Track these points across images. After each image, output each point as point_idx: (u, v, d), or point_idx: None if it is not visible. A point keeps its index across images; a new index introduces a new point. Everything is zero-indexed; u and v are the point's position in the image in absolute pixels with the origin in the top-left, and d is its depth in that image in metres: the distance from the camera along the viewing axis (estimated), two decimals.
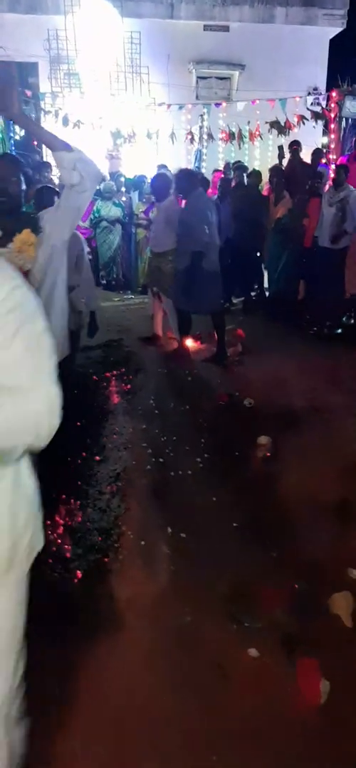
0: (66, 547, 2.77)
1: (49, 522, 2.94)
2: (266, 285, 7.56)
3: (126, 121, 9.89)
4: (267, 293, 7.52)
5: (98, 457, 3.67)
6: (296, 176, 6.95)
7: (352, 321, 6.35)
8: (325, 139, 8.83)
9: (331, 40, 12.19)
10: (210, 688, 1.97)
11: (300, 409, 4.15)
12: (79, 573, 2.59)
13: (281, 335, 6.26)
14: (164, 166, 8.78)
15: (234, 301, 7.72)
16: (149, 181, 8.95)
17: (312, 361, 5.26)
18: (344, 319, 6.35)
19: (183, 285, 5.15)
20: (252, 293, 7.66)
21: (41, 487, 2.89)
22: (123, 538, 2.79)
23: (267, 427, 3.89)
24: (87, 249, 4.36)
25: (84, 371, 5.31)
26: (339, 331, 6.20)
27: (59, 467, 3.47)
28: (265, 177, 7.56)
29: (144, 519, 2.93)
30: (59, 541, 2.82)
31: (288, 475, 3.29)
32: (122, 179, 9.16)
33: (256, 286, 7.66)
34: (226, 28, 11.75)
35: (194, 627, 2.21)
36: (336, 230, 6.15)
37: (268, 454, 3.51)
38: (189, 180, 5.30)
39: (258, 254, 7.28)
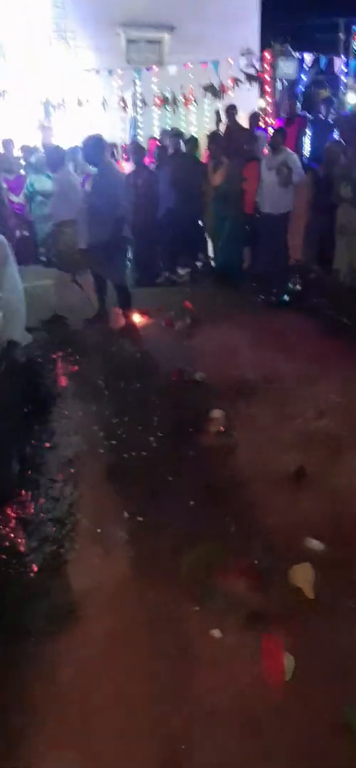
0: (20, 540, 2.65)
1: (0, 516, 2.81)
2: (211, 254, 7.51)
3: (55, 89, 9.42)
4: (213, 262, 7.48)
5: (47, 444, 3.54)
6: (233, 141, 6.86)
7: (298, 287, 6.41)
8: (262, 102, 8.76)
9: None
10: (175, 673, 1.94)
11: (251, 381, 4.16)
12: (34, 567, 2.48)
13: (229, 305, 6.24)
14: (97, 135, 8.46)
15: (180, 272, 7.63)
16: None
17: (260, 331, 5.28)
18: (290, 285, 6.39)
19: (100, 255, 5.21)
20: (198, 263, 7.59)
21: None
22: (78, 527, 2.70)
23: (219, 400, 3.87)
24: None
25: (28, 354, 5.11)
26: (286, 298, 6.24)
27: (7, 457, 3.37)
28: (204, 143, 7.44)
29: (99, 505, 2.85)
30: (12, 535, 2.70)
31: (242, 448, 3.29)
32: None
33: (201, 256, 7.60)
34: None
35: (155, 612, 2.16)
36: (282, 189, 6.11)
37: (221, 429, 3.48)
38: (97, 148, 5.18)
39: (200, 223, 7.20)
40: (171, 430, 3.59)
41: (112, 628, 2.11)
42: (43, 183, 8.07)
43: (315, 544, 2.55)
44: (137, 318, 5.95)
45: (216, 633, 2.07)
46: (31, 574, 2.41)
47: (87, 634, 2.09)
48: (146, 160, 7.19)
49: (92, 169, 7.78)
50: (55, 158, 5.62)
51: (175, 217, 7.06)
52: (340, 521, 2.70)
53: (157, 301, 6.49)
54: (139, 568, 2.39)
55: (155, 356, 4.94)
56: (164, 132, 8.31)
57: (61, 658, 2.01)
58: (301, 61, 8.03)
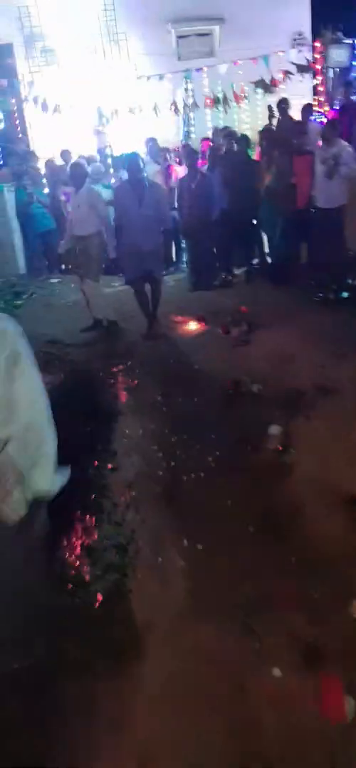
0: (85, 569, 2.79)
1: (66, 543, 2.97)
2: (267, 251, 7.41)
3: (108, 96, 9.56)
4: (269, 260, 7.38)
5: (110, 465, 3.67)
6: (285, 136, 6.70)
7: None
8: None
9: None
10: (234, 711, 1.99)
11: (309, 391, 4.08)
12: (99, 596, 2.61)
13: (286, 304, 6.16)
14: (152, 139, 8.54)
15: (236, 272, 7.59)
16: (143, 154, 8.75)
17: (319, 332, 5.16)
18: (349, 281, 6.20)
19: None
20: (253, 262, 7.52)
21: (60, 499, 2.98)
22: (140, 554, 2.79)
23: (277, 414, 3.85)
24: None
25: (89, 367, 5.31)
26: (346, 294, 6.06)
27: (73, 477, 3.53)
28: (257, 140, 7.32)
29: (160, 531, 2.93)
30: (78, 563, 2.84)
31: (301, 467, 3.26)
32: (109, 161, 8.93)
33: (257, 254, 7.52)
34: None
35: (214, 647, 2.22)
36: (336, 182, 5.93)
37: (280, 447, 3.47)
38: (135, 165, 5.54)
39: (254, 222, 7.11)
40: (229, 449, 3.62)
41: (171, 666, 2.19)
42: (101, 193, 8.28)
43: None
44: (194, 325, 6.02)
45: (276, 672, 2.10)
46: (96, 605, 2.52)
47: (147, 673, 2.17)
48: (199, 162, 7.16)
49: (148, 173, 7.93)
50: (77, 175, 5.75)
51: (229, 218, 7.01)
52: None
53: (214, 304, 6.51)
54: (198, 601, 2.45)
55: (212, 366, 4.97)
56: (216, 131, 8.26)
57: (122, 699, 2.10)
58: (353, 47, 7.67)
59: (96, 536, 3.01)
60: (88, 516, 3.17)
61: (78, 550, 2.92)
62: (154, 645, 2.27)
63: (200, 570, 2.62)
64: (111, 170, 8.77)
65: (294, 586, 2.47)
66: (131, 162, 5.60)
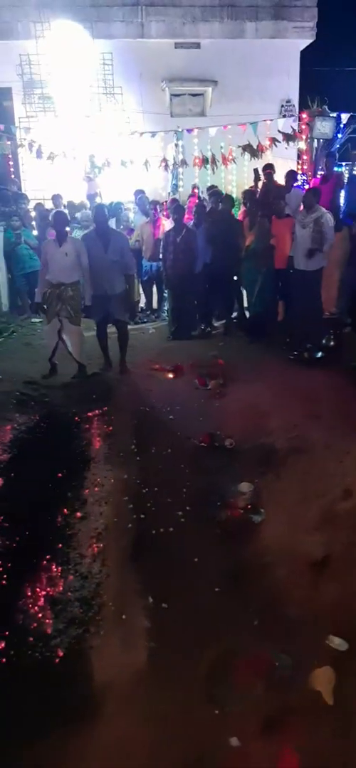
0: (47, 622, 2.76)
1: (30, 593, 2.94)
2: (246, 306, 7.62)
3: (101, 147, 9.86)
4: (248, 315, 7.57)
5: (79, 514, 3.66)
6: (268, 199, 6.99)
7: (332, 343, 6.39)
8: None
9: (302, 52, 12.31)
10: None
11: (281, 449, 4.17)
12: (60, 651, 2.57)
13: (262, 360, 6.31)
14: (141, 192, 8.81)
15: (215, 324, 7.77)
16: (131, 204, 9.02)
17: (293, 391, 5.28)
18: (324, 341, 6.39)
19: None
20: (233, 316, 7.71)
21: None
22: (104, 610, 2.77)
23: (248, 470, 3.91)
24: None
25: (65, 410, 5.32)
26: (320, 354, 6.24)
27: (42, 524, 3.51)
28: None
29: (125, 586, 2.91)
30: (40, 615, 2.81)
31: (269, 527, 3.30)
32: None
33: (236, 309, 7.71)
34: (197, 45, 11.84)
35: (173, 713, 2.20)
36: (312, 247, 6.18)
37: (249, 506, 3.51)
38: (102, 216, 6.10)
39: (235, 277, 7.33)
40: (199, 504, 3.65)
41: (131, 727, 2.16)
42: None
43: (337, 642, 2.52)
44: (171, 374, 6.12)
45: (234, 742, 2.09)
46: (56, 660, 2.49)
47: (106, 732, 2.14)
48: (186, 217, 7.39)
49: (133, 224, 8.14)
50: (60, 223, 5.92)
51: (211, 272, 7.23)
52: None
53: (192, 355, 6.63)
54: (159, 663, 2.43)
55: (187, 417, 5.03)
56: (195, 188, 8.58)
57: (78, 754, 2.06)
58: (338, 120, 8.13)
59: (61, 588, 2.99)
60: (54, 566, 3.15)
61: (41, 601, 2.90)
62: (111, 707, 2.24)
63: (164, 630, 2.60)
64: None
65: (256, 652, 2.47)
66: (97, 213, 6.13)
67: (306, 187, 7.66)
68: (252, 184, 7.96)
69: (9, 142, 9.77)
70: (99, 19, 11.25)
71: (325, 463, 4.00)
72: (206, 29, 11.81)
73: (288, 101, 12.00)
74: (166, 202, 8.70)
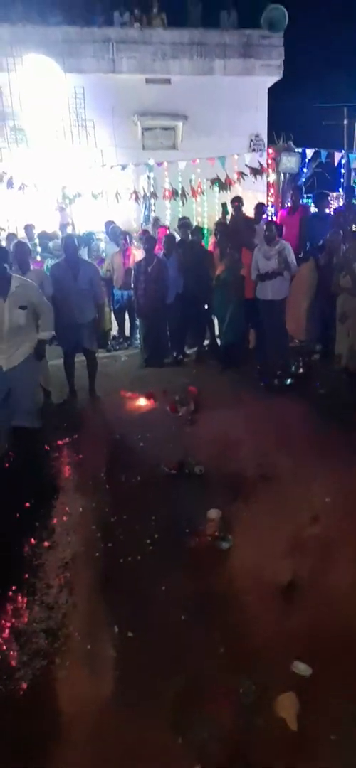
0: (11, 654, 2.71)
1: None
2: (217, 334, 7.74)
3: (73, 178, 9.98)
4: (219, 342, 7.69)
5: (46, 543, 3.63)
6: (237, 231, 7.18)
7: (301, 370, 6.54)
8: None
9: (270, 89, 12.79)
10: None
11: (250, 477, 4.20)
12: (24, 684, 2.53)
13: (233, 388, 6.39)
14: (112, 223, 8.93)
15: (187, 352, 7.86)
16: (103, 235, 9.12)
17: (262, 419, 5.34)
18: (293, 368, 6.53)
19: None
20: (204, 344, 7.82)
21: None
22: (70, 641, 2.75)
23: (217, 498, 3.93)
24: None
25: (34, 438, 5.27)
26: (289, 381, 6.36)
27: (9, 554, 3.47)
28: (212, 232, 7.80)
29: (91, 616, 2.89)
30: (5, 647, 2.76)
31: (237, 554, 3.32)
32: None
33: (208, 337, 7.83)
34: (167, 81, 12.20)
35: (138, 742, 2.19)
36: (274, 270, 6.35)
37: (216, 534, 3.54)
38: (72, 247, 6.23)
39: (207, 306, 7.46)
40: (168, 531, 3.65)
41: (96, 757, 2.14)
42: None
43: (302, 668, 2.54)
44: (143, 401, 6.15)
45: None
46: (21, 693, 2.45)
47: (71, 763, 2.12)
48: (156, 248, 7.52)
49: (103, 254, 8.23)
50: (22, 254, 5.96)
51: (183, 301, 7.35)
52: (329, 640, 2.70)
53: (164, 382, 6.68)
54: (125, 693, 2.42)
55: (158, 445, 5.05)
56: (156, 220, 8.77)
57: None
58: (303, 154, 8.46)
59: (26, 619, 2.95)
60: (19, 596, 3.11)
61: (6, 633, 2.85)
62: (79, 736, 2.22)
63: (130, 660, 2.60)
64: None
65: (222, 680, 2.48)
66: (67, 243, 6.28)
67: (273, 218, 7.89)
68: (221, 216, 8.16)
69: None
70: (71, 54, 11.50)
71: (293, 490, 4.05)
72: (176, 65, 12.19)
73: (257, 136, 12.41)
74: (138, 233, 8.84)
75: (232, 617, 2.86)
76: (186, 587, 3.09)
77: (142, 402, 6.14)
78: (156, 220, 9.34)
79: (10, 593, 3.13)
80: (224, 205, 8.21)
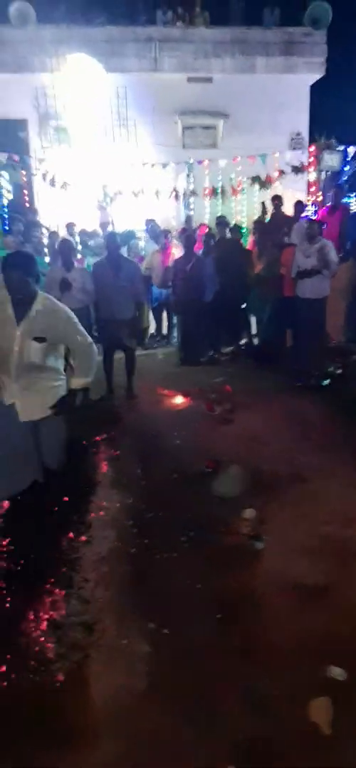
0: (48, 646, 2.77)
1: (33, 616, 2.96)
2: (254, 333, 7.69)
3: (113, 177, 10.10)
4: (256, 342, 7.64)
5: (83, 538, 3.69)
6: (276, 229, 7.11)
7: (338, 371, 6.41)
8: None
9: (312, 86, 12.55)
10: None
11: (285, 477, 4.18)
12: (60, 677, 2.58)
13: (269, 387, 6.34)
14: (152, 221, 8.99)
15: (224, 351, 7.84)
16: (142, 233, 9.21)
17: (299, 419, 5.31)
18: (331, 369, 6.42)
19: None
20: (241, 343, 7.78)
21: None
22: (106, 635, 2.78)
23: (252, 497, 3.92)
24: None
25: (71, 434, 5.36)
26: (327, 381, 6.26)
27: (47, 548, 3.54)
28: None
29: (127, 612, 2.93)
30: (42, 639, 2.82)
31: (272, 554, 3.30)
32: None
33: (244, 336, 7.79)
34: (209, 80, 12.11)
35: (170, 740, 2.20)
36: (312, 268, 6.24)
37: (252, 533, 3.52)
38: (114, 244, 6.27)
39: (244, 305, 7.42)
40: (203, 529, 3.66)
41: (129, 752, 2.16)
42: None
43: (336, 672, 2.50)
44: (179, 399, 6.17)
45: None
46: (57, 685, 2.50)
47: (102, 758, 2.14)
48: (196, 246, 7.52)
49: (146, 251, 8.30)
50: (66, 251, 6.11)
51: (220, 300, 7.32)
52: None
53: (200, 381, 6.69)
54: (159, 689, 2.43)
55: (194, 443, 5.06)
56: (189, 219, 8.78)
57: None
58: (345, 154, 8.28)
59: (63, 611, 3.01)
60: (57, 590, 3.17)
61: (44, 625, 2.91)
62: (110, 732, 2.25)
63: (164, 657, 2.61)
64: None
65: (240, 681, 2.46)
66: (109, 241, 6.35)
67: (314, 217, 7.75)
68: (260, 215, 8.09)
69: (24, 173, 10.04)
70: (113, 54, 11.59)
71: (329, 491, 4.01)
72: (218, 64, 12.11)
73: (298, 134, 12.19)
74: (178, 231, 8.87)
75: (266, 618, 2.84)
76: (222, 586, 3.09)
77: (178, 400, 6.17)
78: (189, 218, 9.33)
79: (48, 586, 3.19)
80: (263, 204, 8.13)
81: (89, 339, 3.61)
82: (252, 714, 2.30)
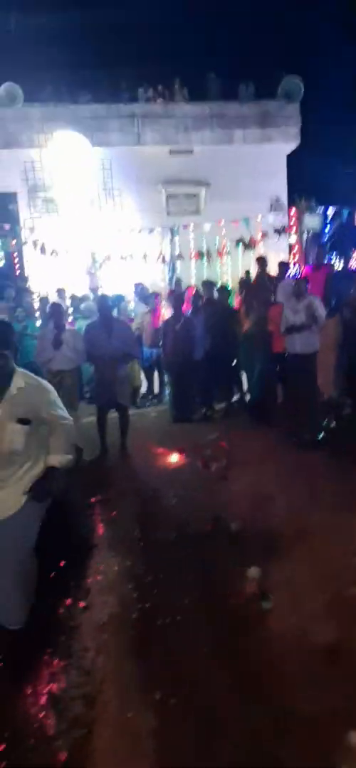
0: (48, 722, 2.60)
1: (31, 690, 2.79)
2: (246, 389, 7.74)
3: (101, 243, 10.37)
4: (247, 398, 7.67)
5: (82, 604, 3.54)
6: (262, 289, 7.29)
7: (333, 424, 6.44)
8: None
9: (288, 155, 13.18)
10: None
11: (287, 534, 4.09)
12: (62, 756, 2.41)
13: (263, 442, 6.30)
14: (141, 284, 9.17)
15: (216, 407, 7.85)
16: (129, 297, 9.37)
17: (296, 474, 5.26)
18: (324, 423, 6.43)
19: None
20: (233, 399, 7.80)
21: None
22: (109, 707, 2.63)
23: (254, 555, 3.82)
24: None
25: (66, 496, 5.24)
26: (321, 435, 6.26)
27: (44, 615, 3.38)
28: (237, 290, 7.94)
29: (131, 682, 2.78)
30: (42, 714, 2.66)
31: (278, 615, 3.19)
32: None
33: (236, 392, 7.83)
34: (190, 151, 12.69)
35: None
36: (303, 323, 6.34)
37: (258, 592, 3.41)
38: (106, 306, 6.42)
39: (234, 362, 7.49)
40: (206, 590, 3.54)
41: None
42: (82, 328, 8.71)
43: None
44: (174, 457, 6.11)
45: None
46: (59, 764, 2.34)
47: None
48: (184, 307, 7.66)
49: (136, 313, 8.42)
50: (58, 314, 6.26)
51: (210, 358, 7.40)
52: None
53: (194, 437, 6.65)
54: (171, 764, 2.28)
55: (191, 500, 4.97)
56: (177, 281, 9.02)
57: None
58: (325, 215, 8.64)
59: (63, 684, 2.85)
60: (55, 660, 3.01)
61: (43, 699, 2.75)
62: None
63: (172, 730, 2.46)
64: None
65: (271, 755, 2.32)
66: (101, 303, 6.46)
67: (298, 276, 7.98)
68: (244, 275, 8.30)
69: (14, 242, 10.26)
70: (99, 129, 12.14)
71: (332, 546, 3.92)
72: (198, 137, 12.72)
73: (277, 199, 12.70)
74: (166, 293, 9.06)
75: (278, 683, 2.71)
76: (228, 651, 2.96)
77: (173, 458, 6.11)
78: (178, 280, 9.57)
79: (46, 656, 3.04)
80: (247, 272, 8.37)
81: (69, 417, 3.31)
82: None
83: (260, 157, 12.63)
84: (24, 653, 3.03)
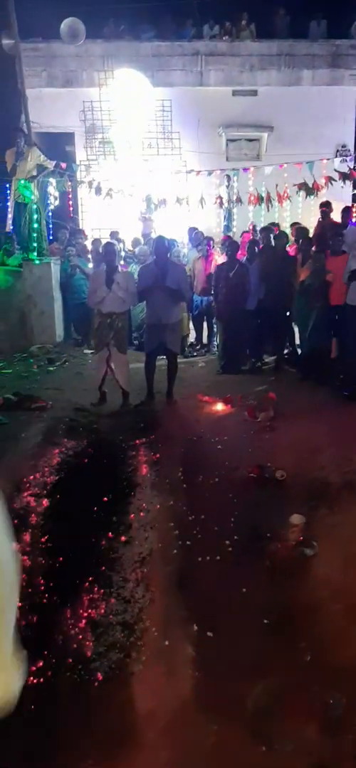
0: (87, 644, 2.65)
1: (71, 614, 2.85)
2: (298, 343, 7.48)
3: (158, 186, 10.15)
4: (299, 351, 7.42)
5: (123, 538, 3.57)
6: (325, 236, 6.91)
7: None
8: None
9: None
10: None
11: (333, 484, 3.96)
12: (99, 675, 2.46)
13: (313, 396, 6.13)
14: (195, 228, 8.94)
15: (266, 359, 7.65)
16: (183, 242, 9.18)
17: (346, 427, 5.06)
18: None
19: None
20: (284, 352, 7.57)
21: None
22: (147, 635, 2.65)
23: (299, 503, 3.72)
24: None
25: (112, 437, 5.31)
26: None
27: (86, 547, 3.44)
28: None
29: (169, 613, 2.78)
30: (81, 637, 2.71)
31: (322, 562, 3.09)
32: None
33: (288, 345, 7.58)
34: (254, 93, 12.10)
35: (217, 747, 2.03)
36: None
37: (301, 538, 3.32)
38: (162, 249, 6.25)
39: (288, 314, 7.23)
40: (248, 534, 3.49)
41: (170, 759, 2.01)
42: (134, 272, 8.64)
43: None
44: (220, 406, 6.02)
45: None
46: (96, 684, 2.38)
47: (145, 763, 2.00)
48: (239, 253, 7.41)
49: (189, 258, 8.24)
50: (111, 254, 6.12)
51: (264, 308, 7.16)
52: None
53: (242, 388, 6.53)
54: (204, 694, 2.27)
55: (236, 448, 4.89)
56: (254, 227, 8.65)
57: None
58: None
59: (102, 610, 2.89)
60: (96, 588, 3.06)
61: (82, 622, 2.80)
62: (153, 737, 2.10)
63: (209, 660, 2.45)
64: None
65: (308, 690, 2.27)
66: (157, 244, 6.31)
67: None
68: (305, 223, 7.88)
69: (69, 183, 10.20)
70: (160, 68, 11.76)
71: None
72: (264, 77, 12.10)
73: (344, 146, 12.00)
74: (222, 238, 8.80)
75: (317, 628, 2.63)
76: (268, 592, 2.91)
77: (219, 406, 6.02)
78: (228, 227, 9.25)
79: (87, 584, 3.09)
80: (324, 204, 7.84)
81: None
82: (306, 725, 2.10)
83: (329, 99, 11.90)
84: (65, 579, 3.10)
